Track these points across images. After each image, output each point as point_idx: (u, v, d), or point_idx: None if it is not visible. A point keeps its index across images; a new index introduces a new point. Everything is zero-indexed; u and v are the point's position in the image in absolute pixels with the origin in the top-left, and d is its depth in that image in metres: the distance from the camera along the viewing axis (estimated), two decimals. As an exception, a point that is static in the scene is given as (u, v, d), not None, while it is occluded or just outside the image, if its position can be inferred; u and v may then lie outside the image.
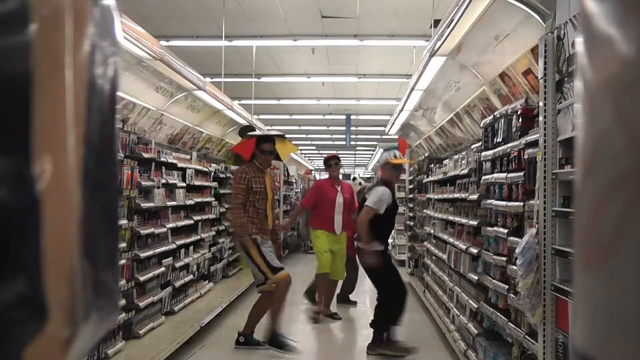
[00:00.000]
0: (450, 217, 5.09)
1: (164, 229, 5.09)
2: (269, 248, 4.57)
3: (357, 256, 4.96)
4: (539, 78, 2.65)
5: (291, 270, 4.80)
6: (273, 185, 4.89)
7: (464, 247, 4.35)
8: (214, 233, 7.07)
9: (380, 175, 5.05)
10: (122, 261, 4.12)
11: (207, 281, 6.72)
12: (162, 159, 5.09)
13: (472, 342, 4.08)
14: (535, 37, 2.80)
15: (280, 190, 9.88)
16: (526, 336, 2.90)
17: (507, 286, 3.27)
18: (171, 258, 5.35)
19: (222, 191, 7.55)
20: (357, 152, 25.79)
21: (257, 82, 10.07)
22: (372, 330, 4.70)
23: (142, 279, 4.47)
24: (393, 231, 5.23)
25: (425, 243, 6.83)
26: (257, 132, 5.06)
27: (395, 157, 4.74)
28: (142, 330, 4.44)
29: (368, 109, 14.07)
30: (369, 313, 6.11)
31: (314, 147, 23.97)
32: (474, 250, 4.04)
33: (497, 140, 3.61)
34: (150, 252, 4.67)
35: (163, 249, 5.05)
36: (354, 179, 12.92)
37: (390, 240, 6.05)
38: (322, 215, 5.89)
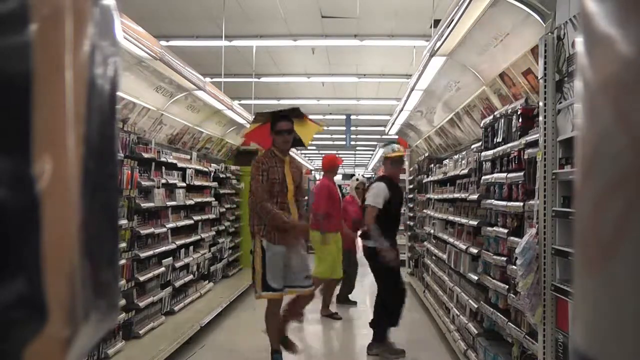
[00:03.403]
0: (450, 217, 5.09)
1: (164, 229, 5.09)
2: (279, 258, 3.85)
3: (364, 256, 4.85)
4: (539, 78, 2.65)
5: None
6: (297, 175, 4.04)
7: (464, 247, 4.35)
8: (214, 233, 7.07)
9: (381, 172, 5.08)
10: (122, 261, 4.13)
11: (207, 281, 6.72)
12: (162, 159, 5.09)
13: (472, 342, 4.08)
14: (535, 37, 2.80)
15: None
16: (526, 336, 2.90)
17: (507, 286, 3.27)
18: (171, 258, 5.35)
19: (222, 191, 7.55)
20: (357, 152, 25.79)
21: (257, 82, 10.08)
22: (373, 329, 4.69)
23: (142, 279, 4.47)
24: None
25: (425, 243, 6.83)
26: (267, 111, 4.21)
27: (393, 151, 4.72)
28: (142, 330, 4.45)
29: (368, 109, 14.07)
30: (369, 313, 6.11)
31: (314, 147, 23.97)
32: (474, 250, 4.04)
33: (497, 140, 3.61)
34: (150, 252, 4.68)
35: (163, 249, 5.05)
36: (352, 176, 12.94)
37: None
38: (332, 217, 5.92)
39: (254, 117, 4.40)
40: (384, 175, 4.81)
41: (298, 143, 4.15)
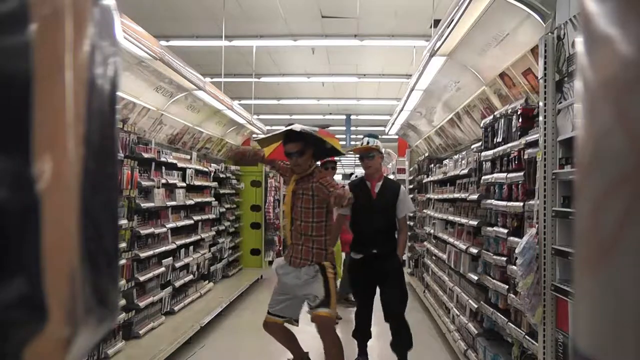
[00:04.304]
0: (450, 217, 5.09)
1: (164, 229, 5.09)
2: (284, 284, 3.53)
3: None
4: (539, 78, 2.65)
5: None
6: (318, 190, 3.40)
7: (464, 247, 4.35)
8: (214, 233, 7.08)
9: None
10: (122, 261, 4.13)
11: (207, 281, 6.72)
12: (162, 159, 5.09)
13: (472, 342, 4.08)
14: (535, 37, 2.80)
15: (280, 191, 9.71)
16: (526, 336, 2.90)
17: (507, 286, 3.27)
18: (171, 258, 5.35)
19: (222, 191, 7.55)
20: (357, 152, 25.77)
21: (257, 82, 10.07)
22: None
23: (142, 279, 4.47)
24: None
25: (425, 243, 6.84)
26: (264, 135, 3.91)
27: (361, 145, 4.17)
28: (142, 330, 4.45)
29: (368, 109, 14.07)
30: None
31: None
32: (474, 250, 4.04)
33: (497, 140, 3.61)
34: (150, 252, 4.68)
35: (163, 249, 5.05)
36: (351, 174, 12.90)
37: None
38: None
39: (258, 141, 4.03)
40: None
41: (333, 152, 3.71)
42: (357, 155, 4.18)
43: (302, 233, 3.45)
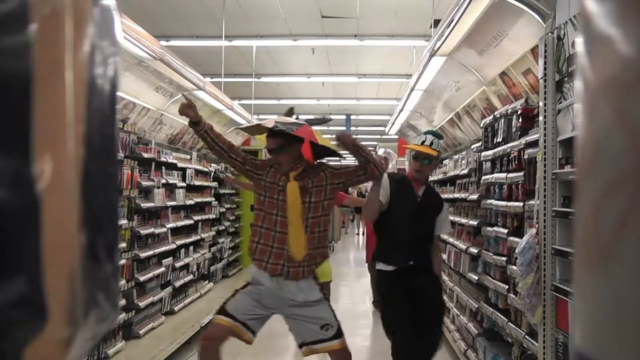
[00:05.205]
0: (450, 217, 5.08)
1: (164, 229, 5.09)
2: (267, 297, 2.92)
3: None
4: (539, 78, 2.65)
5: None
6: (315, 195, 2.84)
7: (464, 247, 4.35)
8: (214, 233, 7.08)
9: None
10: (122, 261, 4.13)
11: (207, 281, 6.72)
12: (162, 159, 5.09)
13: (472, 342, 4.08)
14: (535, 37, 2.80)
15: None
16: (526, 336, 2.90)
17: (507, 286, 3.27)
18: (171, 258, 5.35)
19: (222, 191, 7.55)
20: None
21: (257, 82, 10.07)
22: None
23: (142, 279, 4.47)
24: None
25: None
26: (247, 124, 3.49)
27: (422, 143, 3.36)
28: (142, 330, 4.45)
29: (368, 109, 14.08)
30: (369, 313, 6.11)
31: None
32: (474, 250, 4.04)
33: (497, 140, 3.61)
34: (150, 252, 4.68)
35: (163, 249, 5.05)
36: None
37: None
38: None
39: (243, 129, 3.81)
40: (403, 172, 4.02)
41: (330, 152, 3.10)
42: (412, 152, 3.41)
43: (309, 232, 2.85)
